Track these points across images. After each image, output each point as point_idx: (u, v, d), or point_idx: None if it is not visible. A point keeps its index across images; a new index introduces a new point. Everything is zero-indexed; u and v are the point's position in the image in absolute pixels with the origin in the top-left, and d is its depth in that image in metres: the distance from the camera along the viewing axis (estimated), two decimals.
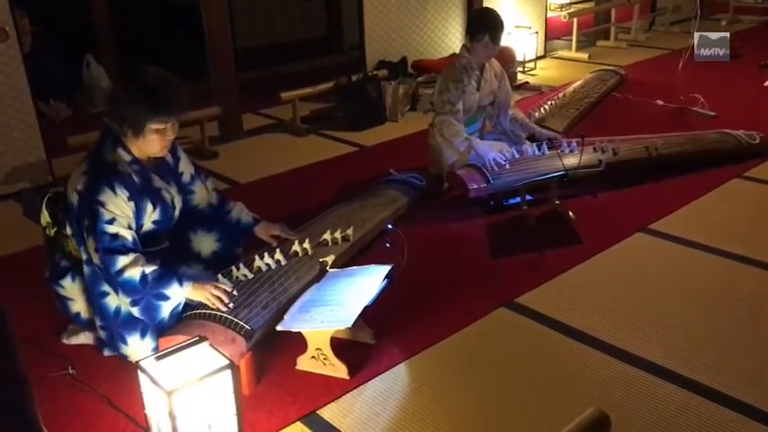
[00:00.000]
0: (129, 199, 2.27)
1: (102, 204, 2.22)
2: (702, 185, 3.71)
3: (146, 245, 2.37)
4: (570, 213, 3.40)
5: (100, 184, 2.24)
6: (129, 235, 2.26)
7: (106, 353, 2.43)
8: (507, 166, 3.37)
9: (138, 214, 2.33)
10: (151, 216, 2.39)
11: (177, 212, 2.52)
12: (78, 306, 2.47)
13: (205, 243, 2.64)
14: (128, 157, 2.34)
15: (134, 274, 2.21)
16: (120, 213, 2.24)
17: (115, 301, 2.32)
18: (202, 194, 2.66)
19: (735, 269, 2.96)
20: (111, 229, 2.22)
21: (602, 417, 1.66)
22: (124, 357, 2.38)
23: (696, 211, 3.49)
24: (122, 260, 2.21)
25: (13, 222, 3.61)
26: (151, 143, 2.32)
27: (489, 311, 2.68)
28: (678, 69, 5.81)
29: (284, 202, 3.72)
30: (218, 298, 2.30)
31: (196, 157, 4.39)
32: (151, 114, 2.26)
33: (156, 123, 2.28)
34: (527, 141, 3.72)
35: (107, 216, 2.22)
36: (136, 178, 2.34)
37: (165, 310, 2.27)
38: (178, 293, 2.27)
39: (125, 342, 2.35)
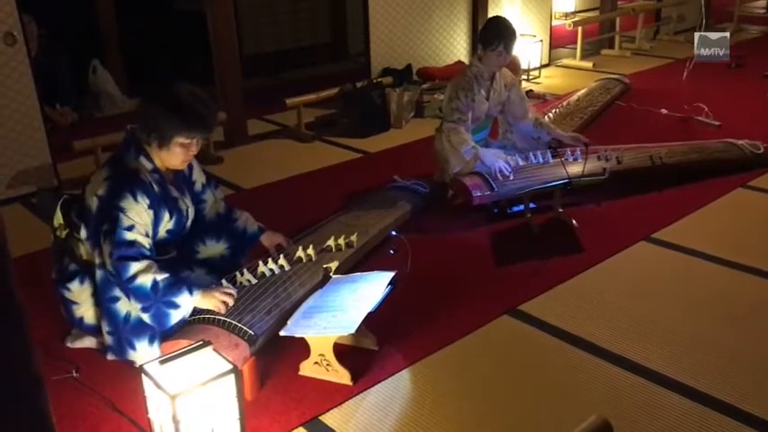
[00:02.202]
0: (149, 207, 2.30)
1: (123, 210, 2.24)
2: (706, 195, 3.71)
3: (155, 253, 2.39)
4: (574, 221, 3.40)
5: (122, 190, 2.26)
6: (146, 242, 2.28)
7: (109, 357, 2.43)
8: (512, 177, 3.38)
9: (156, 223, 2.35)
10: (166, 225, 2.42)
11: (189, 223, 2.55)
12: (83, 310, 2.47)
13: (214, 252, 2.66)
14: (149, 166, 2.37)
15: (146, 281, 2.22)
16: (139, 221, 2.26)
17: (125, 306, 2.32)
18: (212, 203, 2.70)
19: (738, 278, 2.95)
20: (130, 236, 2.24)
21: (605, 424, 1.65)
22: (131, 363, 2.37)
23: (700, 220, 3.49)
24: (135, 266, 2.22)
25: (18, 225, 3.62)
26: (175, 156, 2.37)
27: (492, 318, 2.68)
28: (682, 78, 5.84)
29: (288, 208, 3.73)
30: (225, 303, 2.33)
31: (201, 162, 4.39)
32: (182, 129, 2.31)
33: (184, 138, 2.32)
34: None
35: (126, 223, 2.24)
36: (156, 187, 2.36)
37: (175, 317, 2.28)
38: (188, 302, 2.29)
39: (133, 348, 2.35)
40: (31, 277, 2.58)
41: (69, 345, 2.56)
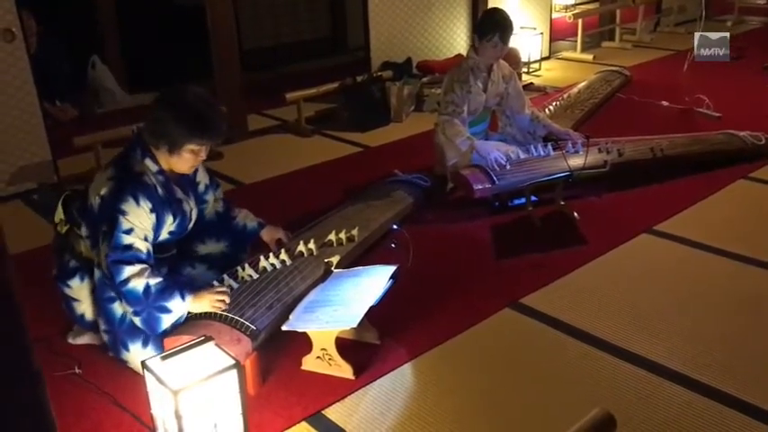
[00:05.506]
0: (152, 211, 2.29)
1: (123, 213, 2.23)
2: (707, 186, 3.70)
3: (155, 252, 2.38)
4: (575, 214, 3.40)
5: (124, 192, 2.25)
6: (143, 247, 2.26)
7: (111, 353, 2.43)
8: (508, 167, 3.37)
9: (159, 225, 2.34)
10: (169, 227, 2.41)
11: (192, 224, 2.54)
12: (84, 307, 2.47)
13: (214, 249, 2.66)
14: (155, 168, 2.36)
15: (138, 285, 2.21)
16: (138, 224, 2.25)
17: (122, 307, 2.31)
18: (212, 203, 2.69)
19: (740, 270, 2.95)
20: (127, 239, 2.23)
21: (608, 417, 1.65)
22: (124, 363, 2.38)
23: (701, 212, 3.48)
24: (128, 270, 2.21)
25: (19, 222, 3.62)
26: (184, 161, 2.35)
27: (494, 312, 2.68)
28: (683, 70, 5.83)
29: (289, 203, 3.73)
30: (221, 301, 2.31)
31: None
32: (193, 137, 2.29)
33: (195, 145, 2.31)
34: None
35: (125, 226, 2.23)
36: (160, 189, 2.35)
37: (166, 322, 2.27)
38: (180, 307, 2.28)
39: (127, 348, 2.35)
40: (33, 273, 2.58)
41: (71, 341, 2.56)
